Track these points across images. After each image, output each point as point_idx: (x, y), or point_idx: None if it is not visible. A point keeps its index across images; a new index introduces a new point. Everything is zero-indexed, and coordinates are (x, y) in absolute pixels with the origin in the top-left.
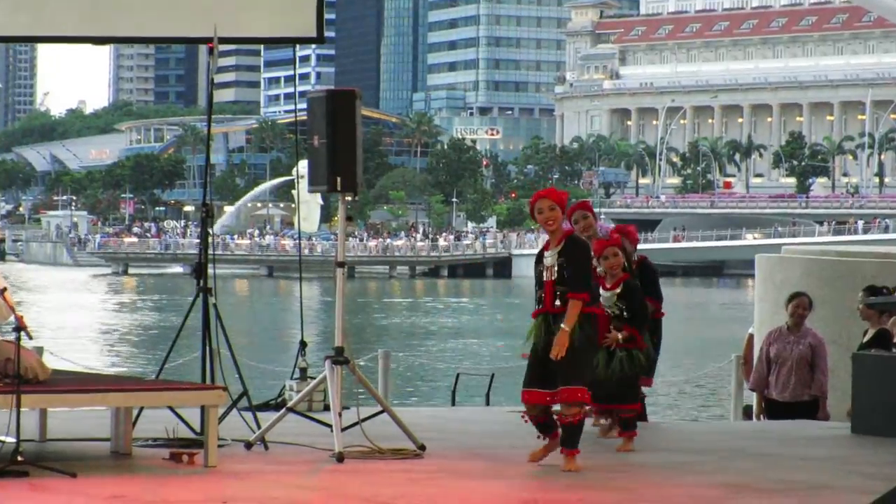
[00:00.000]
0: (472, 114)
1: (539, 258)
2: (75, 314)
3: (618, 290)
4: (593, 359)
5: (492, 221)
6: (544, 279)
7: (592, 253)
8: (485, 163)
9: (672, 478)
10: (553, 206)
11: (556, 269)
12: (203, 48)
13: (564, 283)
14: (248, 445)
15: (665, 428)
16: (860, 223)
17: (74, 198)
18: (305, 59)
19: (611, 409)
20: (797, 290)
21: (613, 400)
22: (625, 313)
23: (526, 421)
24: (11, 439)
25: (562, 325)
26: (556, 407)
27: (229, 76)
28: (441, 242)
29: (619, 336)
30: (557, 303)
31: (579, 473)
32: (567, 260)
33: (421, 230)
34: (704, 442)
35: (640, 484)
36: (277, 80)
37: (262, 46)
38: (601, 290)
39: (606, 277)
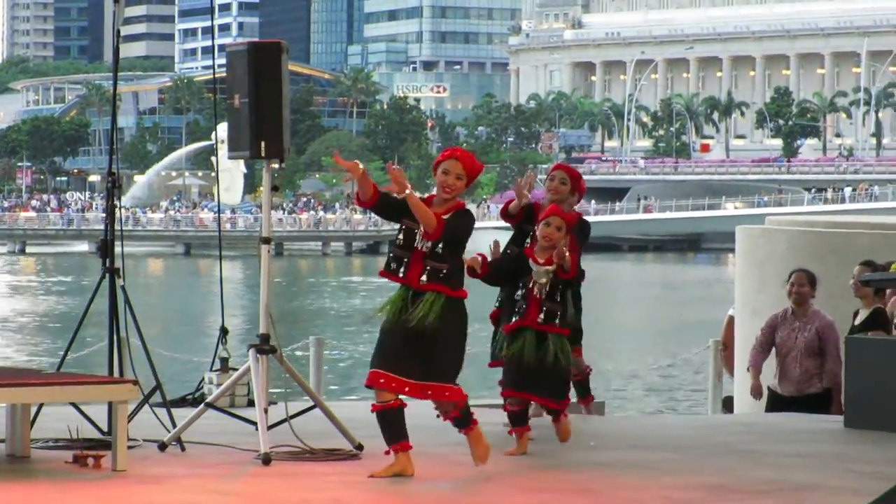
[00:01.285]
0: (415, 69)
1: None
2: None
3: (552, 267)
4: (461, 354)
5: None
6: (416, 245)
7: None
8: (430, 124)
9: (643, 478)
10: (461, 175)
11: (439, 240)
12: None
13: (436, 259)
14: (163, 446)
15: (634, 422)
16: (846, 190)
17: None
18: (226, 7)
19: (538, 402)
20: (798, 267)
21: (543, 393)
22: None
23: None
24: None
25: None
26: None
27: (139, 28)
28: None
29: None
30: (424, 279)
31: (534, 475)
32: (448, 234)
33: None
34: (679, 438)
35: (607, 486)
36: (194, 31)
37: None
38: (531, 263)
39: (537, 248)
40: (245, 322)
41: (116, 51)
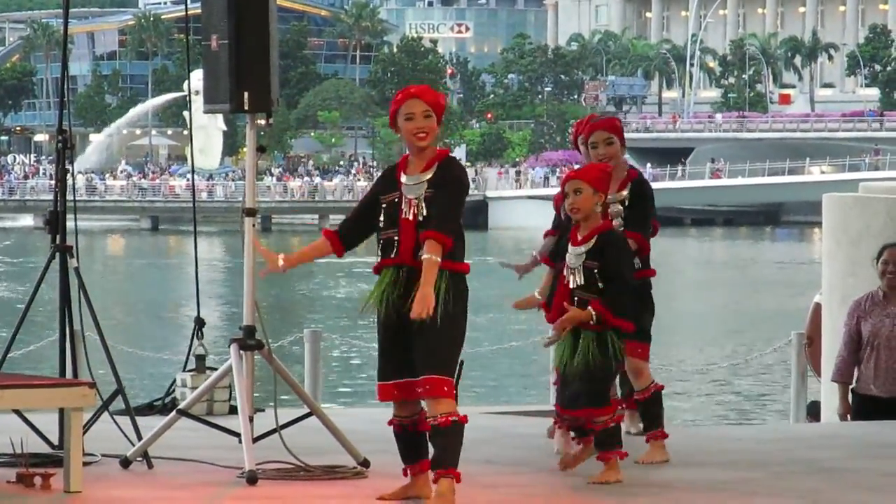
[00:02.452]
0: (431, 4)
1: (388, 182)
2: None
3: (590, 244)
4: (461, 339)
5: (460, 152)
6: (402, 216)
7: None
8: (450, 72)
9: (713, 501)
10: (428, 111)
11: (421, 202)
12: None
13: (429, 228)
14: (126, 462)
15: (700, 433)
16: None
17: None
18: None
19: (575, 416)
20: (890, 241)
21: (575, 404)
22: (598, 281)
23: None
24: None
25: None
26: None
27: None
28: None
29: (576, 316)
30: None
31: (584, 496)
32: (437, 192)
33: (362, 165)
34: (757, 452)
35: None
36: None
37: None
38: (569, 247)
39: (579, 227)
40: (225, 312)
41: None
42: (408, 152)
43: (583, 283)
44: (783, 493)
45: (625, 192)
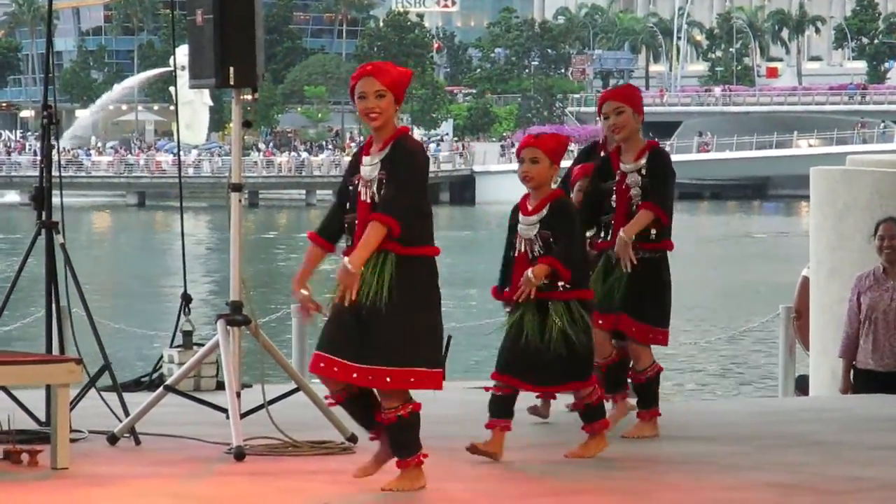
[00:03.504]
0: None
1: (353, 165)
2: None
3: (542, 213)
4: (415, 327)
5: (447, 127)
6: (360, 198)
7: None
8: (436, 46)
9: (700, 476)
10: (382, 91)
11: (375, 184)
12: None
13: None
14: (113, 439)
15: (688, 408)
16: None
17: None
18: None
19: (557, 390)
20: (888, 215)
21: (558, 380)
22: (553, 245)
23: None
24: None
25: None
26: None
27: None
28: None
29: (532, 276)
30: None
31: (570, 473)
32: (390, 172)
33: (348, 140)
34: (743, 426)
35: (657, 484)
36: None
37: None
38: (520, 217)
39: (530, 197)
40: (212, 288)
41: None
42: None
43: (543, 252)
44: (769, 467)
45: (642, 162)
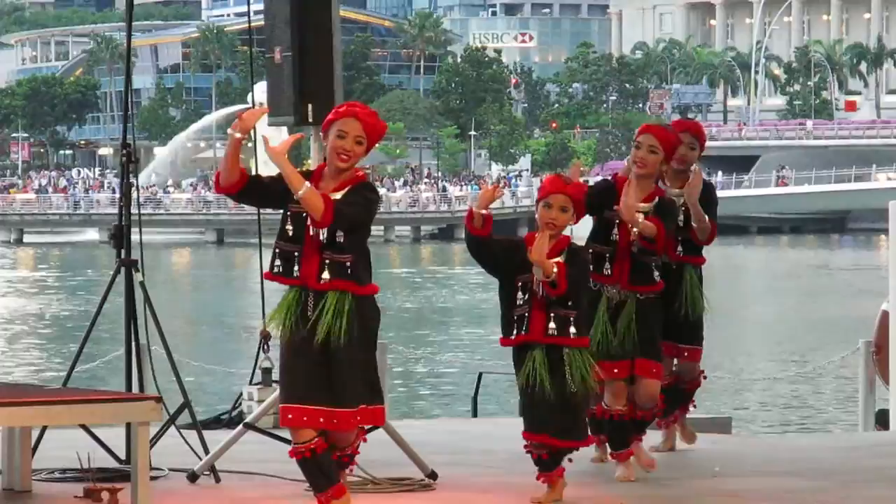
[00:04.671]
0: (494, 13)
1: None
2: None
3: (557, 259)
4: (372, 363)
5: (525, 162)
6: (308, 233)
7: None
8: (514, 81)
9: None
10: (361, 138)
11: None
12: None
13: (336, 250)
14: (193, 477)
15: (767, 443)
16: None
17: None
18: None
19: (565, 446)
20: None
21: (568, 435)
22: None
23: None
24: None
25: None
26: None
27: None
28: (455, 192)
29: (540, 248)
30: (325, 276)
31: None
32: (340, 223)
33: (427, 175)
34: (824, 461)
35: None
36: None
37: None
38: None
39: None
40: None
41: None
42: (327, 165)
43: (559, 299)
44: (851, 502)
45: (649, 205)
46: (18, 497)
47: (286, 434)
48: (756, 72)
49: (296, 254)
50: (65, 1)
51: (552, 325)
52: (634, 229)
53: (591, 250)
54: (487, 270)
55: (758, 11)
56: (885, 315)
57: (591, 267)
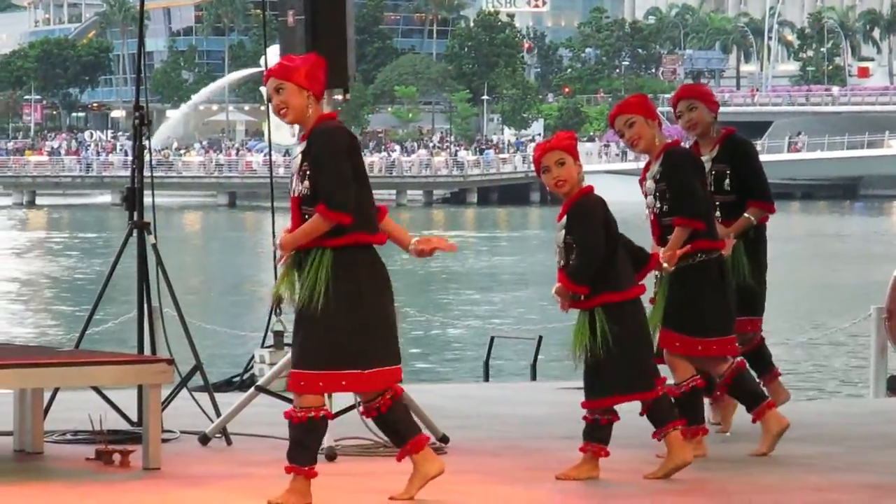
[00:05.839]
0: None
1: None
2: None
3: (563, 221)
4: (344, 327)
5: (537, 127)
6: (291, 193)
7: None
8: (526, 46)
9: (792, 477)
10: (280, 86)
11: (298, 177)
12: None
13: (308, 202)
14: (204, 439)
15: (780, 409)
16: None
17: None
18: None
19: (620, 401)
20: None
21: (613, 390)
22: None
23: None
24: None
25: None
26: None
27: None
28: (468, 157)
29: (554, 293)
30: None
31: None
32: (311, 165)
33: (439, 140)
34: (834, 427)
35: (747, 486)
36: None
37: None
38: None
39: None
40: None
41: None
42: None
43: (565, 264)
44: (861, 468)
45: (656, 167)
46: (30, 458)
47: None
48: (769, 38)
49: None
50: None
51: None
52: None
53: None
54: None
55: None
56: None
57: (593, 217)
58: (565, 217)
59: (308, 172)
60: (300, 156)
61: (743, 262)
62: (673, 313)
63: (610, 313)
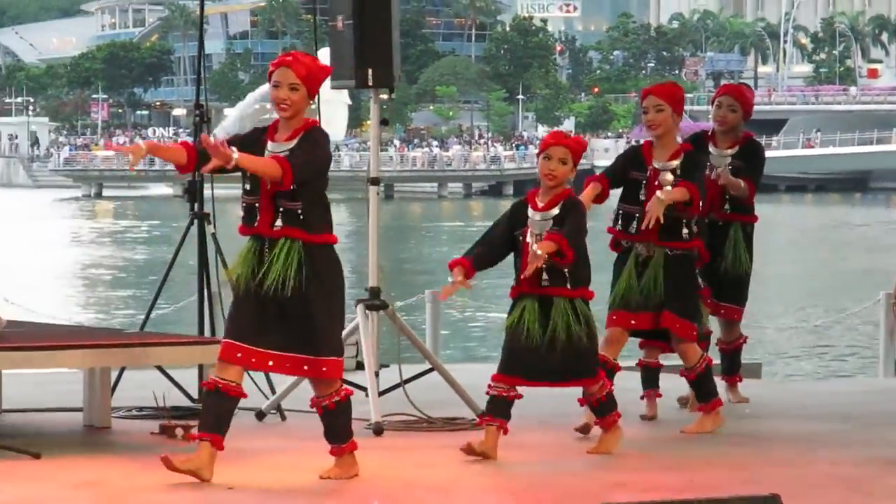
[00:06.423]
0: None
1: (255, 144)
2: (35, 249)
3: (555, 211)
4: (339, 315)
5: (569, 124)
6: (263, 185)
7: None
8: (558, 48)
9: (807, 452)
10: (296, 85)
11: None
12: None
13: (288, 196)
14: (260, 415)
15: (794, 387)
16: None
17: (31, 100)
18: None
19: (563, 386)
20: None
21: (563, 376)
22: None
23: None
24: None
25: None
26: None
27: None
28: (504, 152)
29: (538, 250)
30: (278, 223)
31: (680, 450)
32: (298, 174)
33: (477, 136)
34: (846, 405)
35: (761, 460)
36: None
37: None
38: (530, 212)
39: (540, 192)
40: (351, 274)
41: None
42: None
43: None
44: (872, 443)
45: (675, 162)
46: (98, 433)
47: (351, 377)
48: (785, 41)
49: (256, 205)
50: None
51: (545, 276)
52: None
53: (620, 210)
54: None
55: None
56: None
57: (586, 217)
58: (557, 208)
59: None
60: (288, 153)
61: (743, 254)
62: (675, 299)
63: (587, 306)
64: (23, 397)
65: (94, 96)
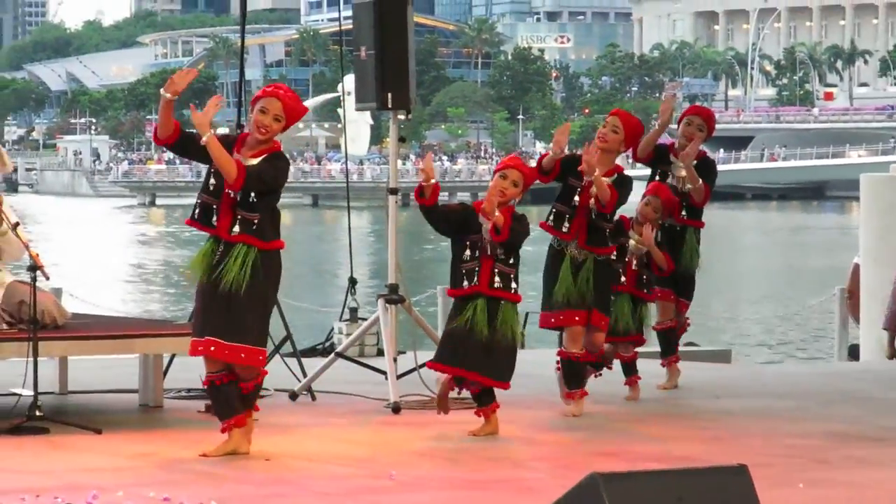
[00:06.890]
0: (538, 19)
1: (225, 144)
2: (97, 251)
3: (505, 240)
4: (268, 311)
5: None
6: (225, 189)
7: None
8: (554, 75)
9: (766, 427)
10: (280, 117)
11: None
12: None
13: (247, 208)
14: (293, 396)
15: (758, 370)
16: None
17: (94, 120)
18: None
19: (491, 384)
20: None
21: (488, 372)
22: (510, 256)
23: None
24: (29, 392)
25: None
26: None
27: None
28: None
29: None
30: (236, 229)
31: (660, 425)
32: (251, 185)
33: (483, 151)
34: (803, 385)
35: (731, 433)
36: None
37: None
38: (481, 219)
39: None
40: (373, 272)
41: (244, 4)
42: (250, 132)
43: (503, 256)
44: (829, 419)
45: (609, 180)
46: (152, 412)
47: (372, 362)
48: (752, 68)
49: (214, 206)
50: (189, 7)
51: (497, 279)
52: (592, 190)
53: (553, 209)
54: (439, 231)
55: (753, 19)
56: (857, 267)
57: (529, 232)
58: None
59: (245, 187)
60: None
61: (696, 255)
62: (602, 300)
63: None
64: (86, 380)
65: (149, 117)
